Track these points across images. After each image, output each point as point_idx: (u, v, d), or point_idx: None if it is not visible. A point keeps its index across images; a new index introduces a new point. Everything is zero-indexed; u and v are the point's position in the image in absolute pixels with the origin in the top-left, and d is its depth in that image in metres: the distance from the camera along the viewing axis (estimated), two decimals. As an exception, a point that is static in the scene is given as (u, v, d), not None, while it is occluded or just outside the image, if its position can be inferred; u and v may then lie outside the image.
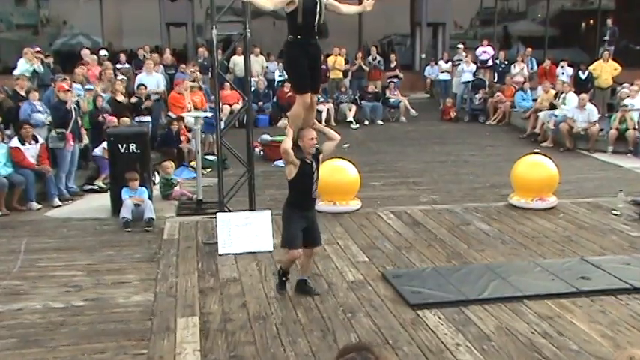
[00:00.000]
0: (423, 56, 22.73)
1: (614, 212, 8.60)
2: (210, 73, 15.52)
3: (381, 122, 17.27)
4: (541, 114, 14.99)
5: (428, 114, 18.20)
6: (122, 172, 8.72)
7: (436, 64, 20.12)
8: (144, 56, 16.62)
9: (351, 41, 21.28)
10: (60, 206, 9.39)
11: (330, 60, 18.03)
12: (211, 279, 6.50)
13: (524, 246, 7.42)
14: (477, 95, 17.80)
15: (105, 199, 9.21)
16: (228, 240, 7.22)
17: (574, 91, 14.85)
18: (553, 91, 15.54)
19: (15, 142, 9.36)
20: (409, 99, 18.42)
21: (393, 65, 19.32)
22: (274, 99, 17.35)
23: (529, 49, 19.57)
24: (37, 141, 9.52)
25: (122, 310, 5.83)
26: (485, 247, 7.38)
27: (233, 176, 9.03)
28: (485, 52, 19.24)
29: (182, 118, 12.43)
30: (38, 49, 14.39)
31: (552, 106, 14.96)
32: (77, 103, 10.75)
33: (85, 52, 15.72)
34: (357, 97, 17.63)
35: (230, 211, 8.05)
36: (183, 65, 16.65)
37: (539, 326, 5.36)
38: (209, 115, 11.08)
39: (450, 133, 15.92)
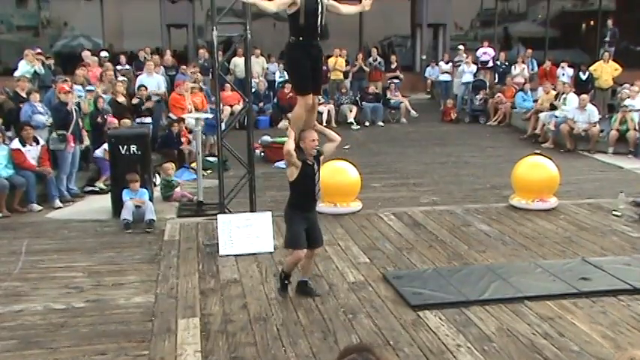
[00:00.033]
0: (424, 57, 22.74)
1: (614, 213, 8.59)
2: (210, 75, 15.53)
3: (381, 123, 17.27)
4: (542, 115, 14.99)
5: (428, 115, 18.21)
6: (123, 174, 8.73)
7: (437, 65, 20.11)
8: (144, 58, 16.64)
9: (351, 42, 21.31)
10: (61, 208, 9.40)
11: (331, 61, 18.05)
12: (212, 280, 6.50)
13: (525, 247, 7.42)
14: (477, 96, 17.80)
15: (106, 201, 9.21)
16: (228, 241, 7.22)
17: (575, 92, 14.84)
18: (554, 92, 15.54)
19: (16, 144, 9.36)
20: (410, 100, 18.42)
21: (393, 66, 19.33)
22: (275, 100, 17.36)
23: (529, 50, 19.60)
24: (37, 142, 9.52)
25: (123, 312, 5.83)
26: (486, 248, 7.38)
27: (234, 177, 9.03)
28: (486, 53, 19.25)
29: (183, 120, 12.43)
30: (39, 50, 14.41)
31: (553, 107, 14.96)
32: (78, 104, 10.76)
33: (86, 54, 15.74)
34: (357, 98, 17.63)
35: (231, 212, 8.05)
36: (184, 67, 16.68)
37: (540, 327, 5.36)
38: (210, 116, 11.08)
39: (451, 134, 15.92)
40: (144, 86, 13.62)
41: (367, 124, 17.04)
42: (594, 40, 22.75)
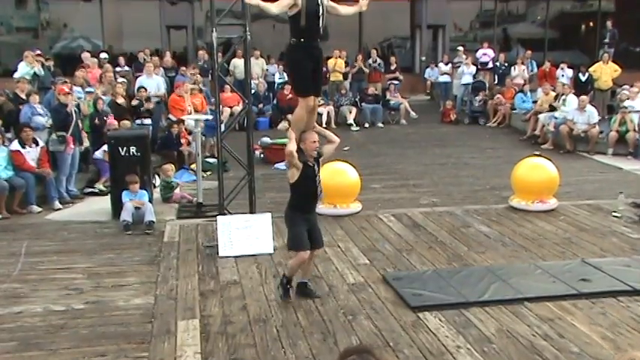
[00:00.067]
0: (423, 58, 22.74)
1: (614, 214, 8.60)
2: (210, 76, 15.51)
3: (381, 125, 17.27)
4: (541, 116, 15.00)
5: (428, 116, 18.22)
6: (122, 175, 8.73)
7: (436, 66, 20.13)
8: (144, 59, 16.65)
9: (351, 43, 21.32)
10: (60, 209, 9.39)
11: (330, 62, 18.05)
12: (212, 282, 6.50)
13: (525, 248, 7.42)
14: (477, 97, 17.81)
15: (105, 202, 9.21)
16: (228, 243, 7.22)
17: (574, 93, 14.85)
18: (553, 93, 15.55)
19: (15, 145, 9.36)
20: (409, 101, 18.43)
21: (393, 68, 19.34)
22: (274, 101, 17.37)
23: (529, 52, 19.62)
24: (37, 144, 9.52)
25: (122, 313, 5.83)
26: (486, 250, 7.38)
27: (233, 179, 9.03)
28: (486, 54, 19.26)
29: (182, 121, 12.44)
30: (38, 52, 14.42)
31: (552, 108, 14.97)
32: (77, 106, 10.76)
33: (86, 55, 15.75)
34: (357, 99, 17.63)
35: (230, 213, 8.05)
36: (184, 68, 16.69)
37: (540, 328, 5.36)
38: (209, 117, 11.09)
39: (450, 136, 15.92)
40: (143, 87, 13.62)
41: (367, 125, 17.04)
42: (594, 41, 22.77)
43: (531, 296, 5.93)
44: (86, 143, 10.76)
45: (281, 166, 11.77)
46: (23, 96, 10.91)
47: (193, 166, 10.88)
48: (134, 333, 5.43)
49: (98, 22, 21.42)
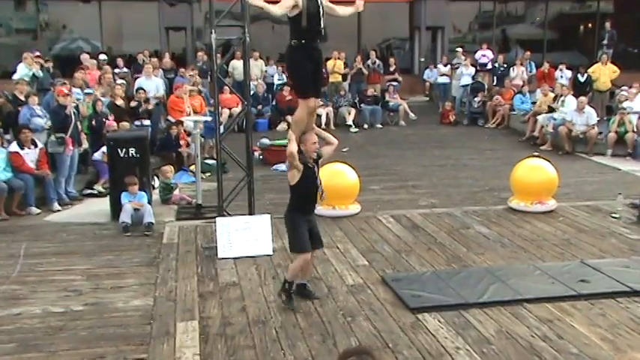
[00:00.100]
0: (422, 60, 22.75)
1: (613, 215, 8.60)
2: (209, 77, 15.55)
3: (380, 126, 17.28)
4: (540, 117, 15.01)
5: (427, 117, 18.23)
6: (121, 177, 8.72)
7: (435, 67, 20.15)
8: (143, 60, 16.65)
9: (350, 45, 21.33)
10: (59, 211, 9.39)
11: (330, 64, 18.05)
12: (211, 283, 6.50)
13: (524, 249, 7.42)
14: (475, 99, 17.81)
15: (104, 204, 9.20)
16: (227, 244, 7.22)
17: (573, 94, 14.87)
18: (552, 94, 15.58)
19: (14, 147, 9.35)
20: (408, 102, 18.45)
21: (392, 69, 19.35)
22: (273, 103, 17.38)
23: (528, 53, 19.64)
24: (35, 145, 9.52)
25: (121, 315, 5.83)
26: (485, 251, 7.38)
27: (232, 180, 9.02)
28: (485, 55, 19.28)
29: (181, 122, 12.44)
30: (37, 53, 14.44)
31: (551, 110, 14.98)
32: (76, 107, 10.76)
33: (85, 57, 15.76)
34: (356, 100, 17.64)
35: (229, 215, 8.05)
36: (183, 69, 16.69)
37: (539, 330, 5.36)
38: (208, 119, 11.09)
39: (449, 137, 15.93)
40: (142, 89, 13.62)
41: (366, 126, 17.04)
42: (592, 42, 22.80)
43: (530, 297, 5.93)
44: (85, 145, 10.76)
45: (280, 167, 11.79)
46: (22, 97, 10.90)
47: (192, 167, 10.88)
48: (133, 334, 5.43)
49: (97, 23, 21.42)
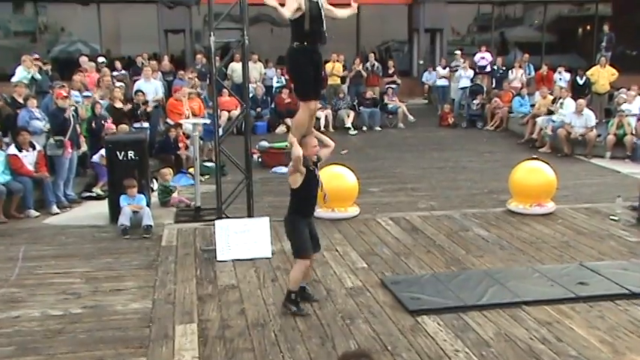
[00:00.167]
0: (421, 62, 22.78)
1: (612, 217, 8.61)
2: (208, 80, 15.58)
3: (379, 128, 17.28)
4: (539, 119, 15.02)
5: (426, 120, 18.24)
6: (120, 179, 8.71)
7: (434, 70, 20.17)
8: (142, 63, 16.65)
9: (348, 47, 21.34)
10: (58, 213, 9.38)
11: (328, 66, 18.04)
12: (210, 286, 6.49)
13: (523, 252, 7.42)
14: (474, 101, 17.83)
15: (103, 206, 9.19)
16: (226, 247, 7.22)
17: (571, 97, 14.88)
18: (551, 97, 15.60)
19: (12, 150, 9.34)
20: (407, 105, 18.46)
21: (390, 71, 19.38)
22: (272, 105, 17.39)
23: (526, 55, 19.65)
24: (34, 148, 9.51)
25: (120, 318, 5.82)
26: (484, 253, 7.38)
27: (231, 183, 9.02)
28: (484, 58, 19.30)
29: (180, 125, 12.44)
30: (36, 56, 14.43)
31: (550, 112, 14.99)
32: (75, 110, 10.75)
33: (83, 59, 15.74)
34: (355, 103, 17.64)
35: (228, 217, 8.04)
36: (182, 72, 16.69)
37: (538, 332, 5.36)
38: (207, 121, 11.09)
39: (448, 139, 15.94)
40: (141, 91, 13.62)
41: (365, 129, 17.04)
42: (591, 44, 22.83)
43: (529, 300, 5.93)
44: (84, 147, 10.74)
45: (279, 170, 11.80)
46: (21, 100, 10.90)
47: (191, 170, 10.87)
48: (132, 337, 5.42)
49: (96, 26, 21.45)
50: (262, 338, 5.31)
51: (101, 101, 12.16)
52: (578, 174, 12.10)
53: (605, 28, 19.39)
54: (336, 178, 8.69)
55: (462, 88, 18.43)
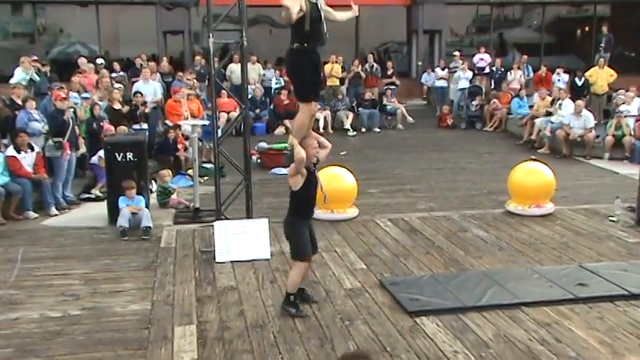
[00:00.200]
0: (420, 63, 22.79)
1: (611, 219, 8.61)
2: (207, 81, 15.57)
3: (377, 129, 17.28)
4: (537, 121, 15.03)
5: (425, 121, 18.25)
6: (119, 181, 8.71)
7: (433, 71, 20.18)
8: (141, 64, 16.65)
9: (347, 49, 21.33)
10: (57, 215, 9.37)
11: (327, 67, 18.03)
12: (209, 287, 6.49)
13: (522, 253, 7.42)
14: (473, 102, 17.85)
15: (102, 208, 9.19)
16: (225, 248, 7.21)
17: (570, 98, 14.91)
18: (549, 98, 15.62)
19: (11, 151, 9.34)
20: (406, 106, 18.46)
21: (389, 72, 19.39)
22: (271, 107, 17.39)
23: (525, 56, 19.65)
24: (32, 149, 9.50)
25: (119, 319, 5.81)
26: (483, 254, 7.38)
27: (230, 184, 9.02)
28: (482, 59, 19.31)
29: (179, 126, 12.44)
30: (35, 57, 14.43)
31: (549, 113, 15.01)
32: (74, 111, 10.75)
33: (82, 61, 15.75)
34: (353, 104, 17.66)
35: (227, 219, 8.04)
36: (181, 73, 16.69)
37: (537, 333, 5.36)
38: (206, 123, 11.09)
39: (447, 140, 15.95)
40: (139, 92, 13.63)
41: (363, 130, 17.05)
42: (589, 46, 22.85)
43: (528, 301, 5.93)
44: (83, 149, 10.75)
45: (278, 171, 11.80)
46: (19, 102, 10.91)
47: (190, 171, 10.88)
48: (131, 339, 5.42)
49: (95, 27, 21.43)
50: (261, 339, 5.31)
51: (100, 102, 12.17)
52: (577, 175, 12.11)
53: (604, 29, 19.41)
54: (335, 180, 8.68)
55: (460, 90, 18.44)
